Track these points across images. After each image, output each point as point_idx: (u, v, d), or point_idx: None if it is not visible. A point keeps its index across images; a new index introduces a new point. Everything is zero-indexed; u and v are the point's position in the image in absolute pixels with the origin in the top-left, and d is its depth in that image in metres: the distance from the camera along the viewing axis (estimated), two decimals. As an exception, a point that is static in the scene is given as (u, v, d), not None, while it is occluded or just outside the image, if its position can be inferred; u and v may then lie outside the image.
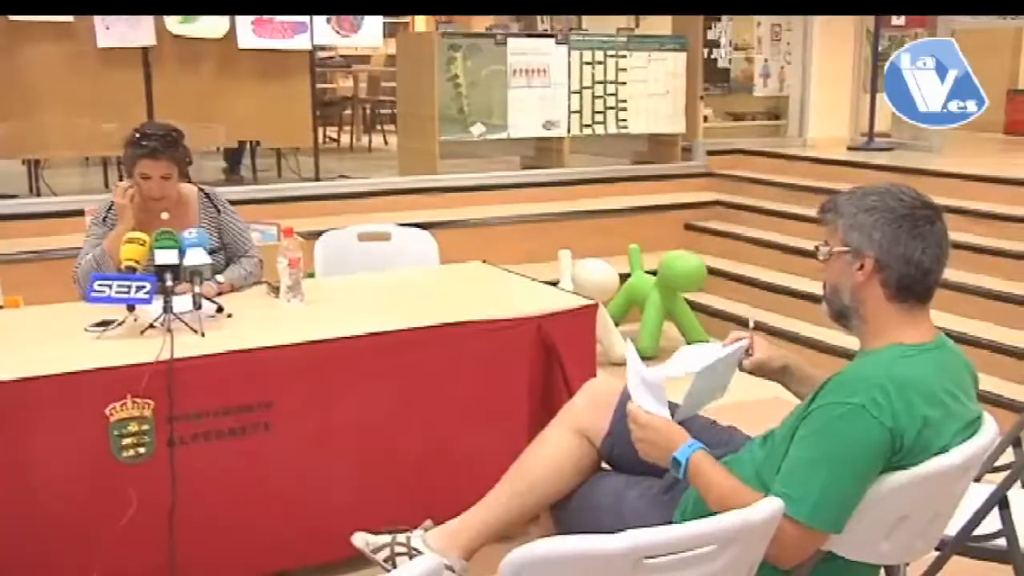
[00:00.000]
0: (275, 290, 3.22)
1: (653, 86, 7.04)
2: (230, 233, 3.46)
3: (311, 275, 3.69)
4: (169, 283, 2.78)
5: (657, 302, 5.32)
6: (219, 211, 3.45)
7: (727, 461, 2.03)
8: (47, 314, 3.10)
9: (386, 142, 9.73)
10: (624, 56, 6.91)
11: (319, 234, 3.96)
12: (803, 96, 7.86)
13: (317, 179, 6.39)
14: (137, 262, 2.88)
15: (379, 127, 10.12)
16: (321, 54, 8.90)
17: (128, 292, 2.72)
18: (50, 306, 3.15)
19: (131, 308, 2.78)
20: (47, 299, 3.22)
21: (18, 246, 4.99)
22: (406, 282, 3.57)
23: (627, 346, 2.18)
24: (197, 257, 2.86)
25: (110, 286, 2.73)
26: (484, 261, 3.82)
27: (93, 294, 2.73)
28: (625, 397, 2.18)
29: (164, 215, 3.07)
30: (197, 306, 2.80)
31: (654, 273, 5.41)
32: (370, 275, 3.68)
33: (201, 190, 3.48)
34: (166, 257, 2.83)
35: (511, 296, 3.38)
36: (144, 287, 2.73)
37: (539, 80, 6.64)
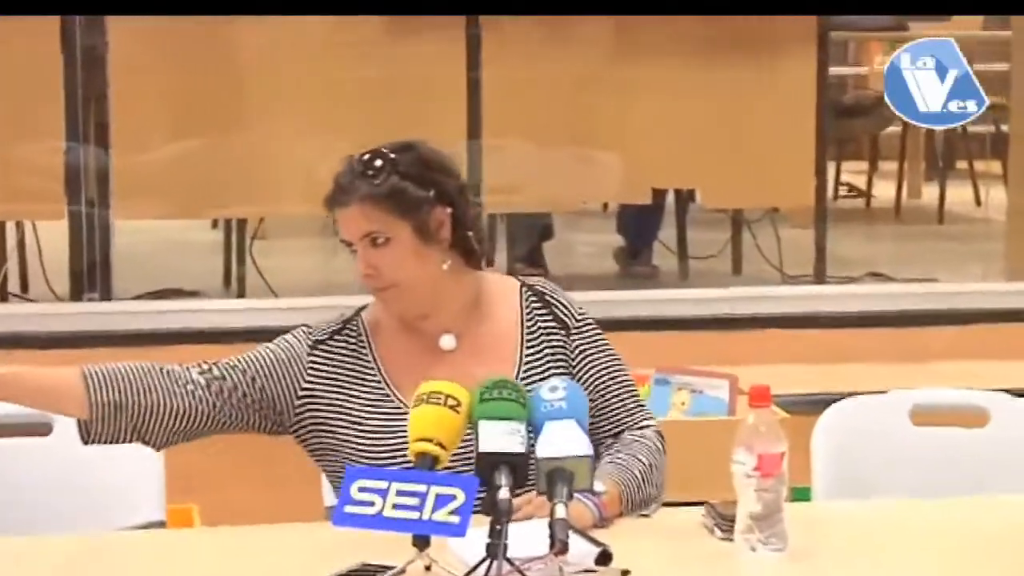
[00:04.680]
0: (723, 520, 3.26)
1: None
2: (594, 375, 3.59)
3: (803, 493, 3.76)
4: (503, 494, 2.87)
5: None
6: (568, 329, 3.61)
7: None
8: (246, 543, 3.32)
9: (979, 200, 9.92)
10: None
11: (824, 404, 4.06)
12: None
13: (820, 280, 6.57)
14: (441, 445, 2.99)
15: (961, 165, 10.27)
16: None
17: (419, 511, 2.82)
18: (252, 528, 3.39)
19: (422, 543, 2.87)
20: (243, 507, 3.53)
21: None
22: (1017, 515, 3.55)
23: None
24: (569, 442, 2.94)
25: (382, 493, 2.85)
26: None
27: (346, 510, 2.87)
28: None
29: (446, 341, 3.29)
30: (560, 548, 2.84)
31: None
32: (939, 501, 3.69)
33: (525, 286, 3.66)
34: (500, 439, 2.94)
35: None
36: (453, 501, 2.82)
37: None
